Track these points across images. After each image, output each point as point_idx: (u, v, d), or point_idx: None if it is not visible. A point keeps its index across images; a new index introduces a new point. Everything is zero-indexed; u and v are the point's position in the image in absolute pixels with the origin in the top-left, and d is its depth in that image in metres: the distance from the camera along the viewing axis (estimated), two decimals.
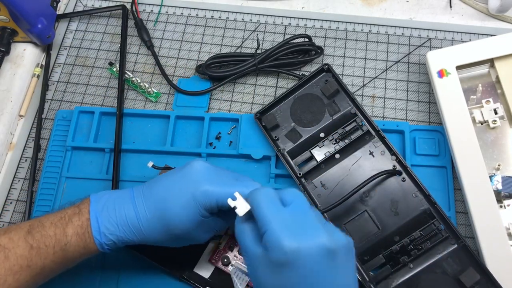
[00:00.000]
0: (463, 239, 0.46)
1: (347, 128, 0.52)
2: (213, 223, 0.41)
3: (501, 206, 0.48)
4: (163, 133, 0.55)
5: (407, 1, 0.63)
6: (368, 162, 0.51)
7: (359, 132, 0.51)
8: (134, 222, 0.39)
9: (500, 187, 0.48)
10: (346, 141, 0.51)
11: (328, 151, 0.51)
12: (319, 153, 0.51)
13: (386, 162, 0.50)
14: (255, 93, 0.58)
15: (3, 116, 0.56)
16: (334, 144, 0.52)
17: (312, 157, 0.51)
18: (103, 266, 0.49)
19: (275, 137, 0.52)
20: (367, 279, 0.45)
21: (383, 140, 0.51)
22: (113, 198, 0.40)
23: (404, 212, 0.48)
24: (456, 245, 0.46)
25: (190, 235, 0.40)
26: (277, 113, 0.54)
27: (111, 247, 0.40)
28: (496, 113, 0.52)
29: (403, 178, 0.49)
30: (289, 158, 0.51)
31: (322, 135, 0.52)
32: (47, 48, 0.61)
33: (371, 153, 0.51)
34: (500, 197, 0.49)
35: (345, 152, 0.51)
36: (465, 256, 0.46)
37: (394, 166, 0.50)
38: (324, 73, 0.54)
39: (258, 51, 0.57)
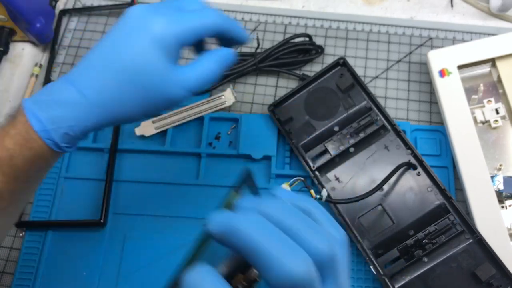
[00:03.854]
0: (479, 233, 0.45)
1: (362, 122, 0.51)
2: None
3: (502, 207, 0.48)
4: (163, 133, 0.54)
5: (408, 0, 0.62)
6: (383, 156, 0.50)
7: (374, 126, 0.51)
8: (78, 101, 0.33)
9: (501, 187, 0.48)
10: (361, 135, 0.51)
11: (343, 145, 0.51)
12: (333, 147, 0.51)
13: (401, 157, 0.50)
14: (255, 92, 0.57)
15: (1, 117, 0.56)
16: (349, 137, 0.51)
17: (326, 151, 0.51)
18: (103, 263, 0.49)
19: (289, 130, 0.52)
20: (381, 273, 0.45)
21: (398, 134, 0.51)
22: (48, 89, 0.34)
23: (419, 206, 0.48)
24: (471, 240, 0.46)
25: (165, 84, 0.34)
26: (291, 106, 0.53)
27: (68, 141, 0.34)
28: (497, 113, 0.52)
29: (418, 173, 0.49)
30: (302, 151, 0.51)
31: (336, 128, 0.52)
32: (45, 48, 0.61)
33: (386, 147, 0.51)
34: (501, 197, 0.48)
35: (359, 146, 0.51)
36: (481, 250, 0.45)
37: (409, 160, 0.50)
38: (339, 67, 0.54)
39: (258, 50, 0.57)
